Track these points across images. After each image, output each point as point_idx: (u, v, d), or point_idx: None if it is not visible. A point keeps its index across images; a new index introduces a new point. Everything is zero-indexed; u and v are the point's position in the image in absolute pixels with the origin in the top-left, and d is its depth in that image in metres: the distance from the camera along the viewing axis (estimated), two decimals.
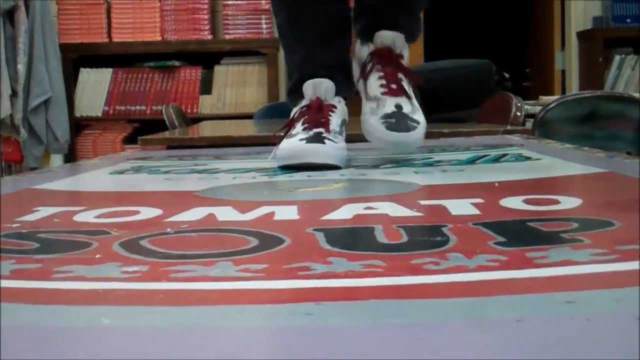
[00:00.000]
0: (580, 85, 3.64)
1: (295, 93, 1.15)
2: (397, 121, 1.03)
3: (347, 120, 1.12)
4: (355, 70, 1.16)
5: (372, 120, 1.06)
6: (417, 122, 1.04)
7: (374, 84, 1.08)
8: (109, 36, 3.37)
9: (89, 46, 3.36)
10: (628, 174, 0.89)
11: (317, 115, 1.06)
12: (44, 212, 0.72)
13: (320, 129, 1.03)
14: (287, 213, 0.65)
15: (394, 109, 1.04)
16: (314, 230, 0.56)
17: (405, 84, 1.08)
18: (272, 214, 0.65)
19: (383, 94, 1.07)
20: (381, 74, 1.08)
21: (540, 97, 2.69)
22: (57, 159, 3.38)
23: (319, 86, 1.09)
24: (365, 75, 1.11)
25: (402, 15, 1.15)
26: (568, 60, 3.76)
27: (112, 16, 3.37)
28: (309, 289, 0.39)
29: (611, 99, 2.27)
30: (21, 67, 3.09)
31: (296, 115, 1.09)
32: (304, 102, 1.10)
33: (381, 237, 0.53)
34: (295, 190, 0.86)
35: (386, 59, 1.09)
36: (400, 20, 1.13)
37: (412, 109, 1.06)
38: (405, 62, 1.13)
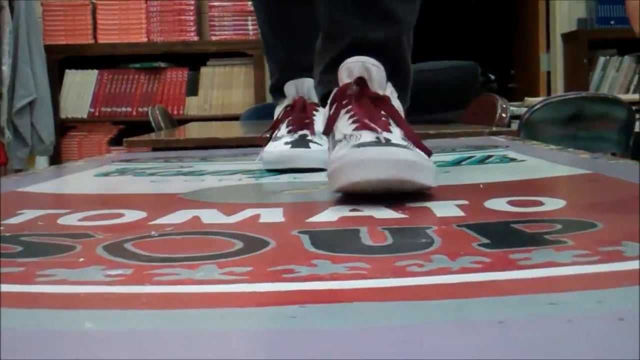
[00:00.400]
0: (565, 86, 3.67)
1: (277, 92, 1.13)
2: (376, 143, 0.70)
3: None
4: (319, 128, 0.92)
5: (333, 156, 0.73)
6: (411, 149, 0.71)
7: (343, 124, 0.76)
8: (95, 37, 3.35)
9: (74, 47, 3.34)
10: (612, 175, 0.90)
11: (301, 115, 1.05)
12: (28, 215, 0.72)
13: (305, 131, 1.02)
14: (273, 215, 0.65)
15: (373, 139, 0.71)
16: (299, 232, 0.56)
17: (395, 130, 0.74)
18: (258, 216, 0.65)
19: (356, 129, 0.73)
20: (352, 112, 0.76)
21: (526, 98, 2.70)
22: (42, 161, 3.35)
23: (301, 85, 1.07)
24: (330, 125, 0.78)
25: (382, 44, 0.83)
26: (553, 61, 3.78)
27: (97, 17, 3.36)
28: (293, 291, 0.39)
29: (596, 100, 2.29)
30: (6, 69, 3.07)
31: (280, 115, 1.08)
32: (287, 102, 1.08)
33: (366, 239, 0.53)
34: (281, 192, 0.86)
35: (359, 94, 0.77)
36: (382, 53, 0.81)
37: (408, 145, 0.72)
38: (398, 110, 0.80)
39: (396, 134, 0.73)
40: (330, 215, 0.65)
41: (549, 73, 3.85)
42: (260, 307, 0.36)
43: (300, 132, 1.03)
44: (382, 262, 0.45)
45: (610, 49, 3.54)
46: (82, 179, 1.14)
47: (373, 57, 0.79)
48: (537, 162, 1.08)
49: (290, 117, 1.06)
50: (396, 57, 0.85)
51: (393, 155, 0.67)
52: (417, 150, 0.72)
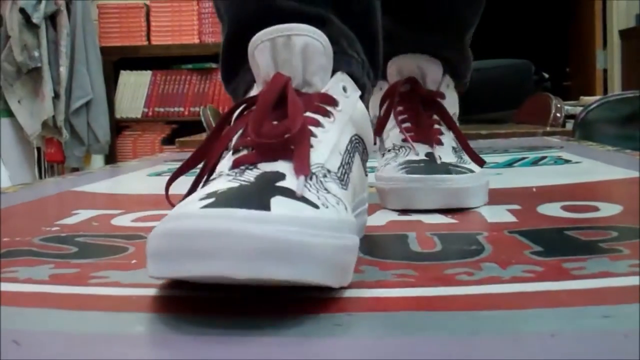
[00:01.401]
0: (622, 84, 3.57)
1: (231, 69, 0.57)
2: (427, 166, 0.67)
3: (367, 145, 0.55)
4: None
5: (384, 173, 0.69)
6: (467, 170, 0.68)
7: (394, 132, 0.73)
8: (148, 39, 3.41)
9: (129, 49, 3.40)
10: None
11: (271, 125, 0.45)
12: (83, 215, 0.74)
13: (277, 168, 0.42)
14: None
15: (424, 157, 0.69)
16: None
17: (447, 139, 0.72)
18: None
19: (405, 139, 0.71)
20: (401, 117, 0.72)
21: (581, 97, 2.64)
22: (98, 160, 3.43)
23: (285, 45, 0.47)
24: (380, 127, 0.74)
25: (437, 39, 0.75)
26: (610, 59, 3.69)
27: (151, 19, 3.41)
28: (340, 298, 0.38)
29: None
30: (63, 70, 3.15)
31: (230, 123, 0.48)
32: (253, 91, 0.51)
33: (414, 246, 0.52)
34: None
35: (410, 94, 0.73)
36: (435, 47, 0.75)
37: (459, 161, 0.70)
38: (452, 109, 0.76)
39: (447, 145, 0.72)
40: (379, 219, 0.65)
41: (605, 71, 3.76)
42: (306, 314, 0.36)
43: (262, 171, 0.42)
44: (430, 269, 0.45)
45: None
46: (136, 178, 1.16)
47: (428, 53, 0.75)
48: (593, 164, 1.05)
49: (244, 128, 0.47)
50: (454, 57, 0.79)
51: (446, 184, 0.65)
52: (468, 163, 0.69)
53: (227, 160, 0.44)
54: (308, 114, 0.47)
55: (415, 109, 0.73)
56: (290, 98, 0.45)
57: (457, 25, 0.80)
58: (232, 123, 0.47)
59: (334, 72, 0.50)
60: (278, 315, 0.34)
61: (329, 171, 0.45)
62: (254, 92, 0.50)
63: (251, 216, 0.34)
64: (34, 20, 3.04)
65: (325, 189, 0.42)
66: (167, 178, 0.48)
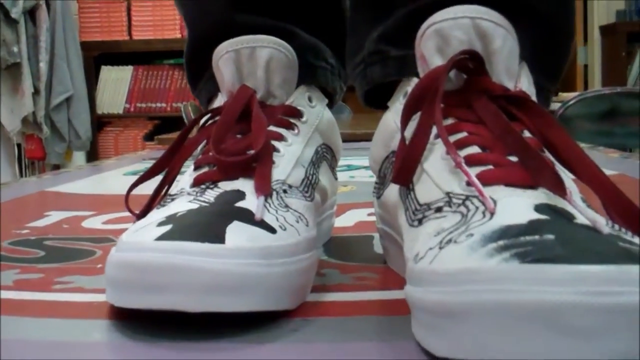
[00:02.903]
0: (602, 80, 3.60)
1: (195, 75, 0.56)
2: (567, 238, 0.27)
3: (336, 153, 0.54)
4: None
5: (438, 264, 0.30)
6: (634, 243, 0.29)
7: (442, 166, 0.36)
8: (130, 34, 3.39)
9: (110, 44, 3.39)
10: (638, 177, 0.88)
11: (233, 140, 0.44)
12: (54, 216, 0.74)
13: (237, 186, 0.41)
14: None
15: (539, 217, 0.30)
16: None
17: (566, 179, 0.34)
18: None
19: (481, 179, 0.33)
20: (461, 131, 0.37)
21: (560, 93, 2.66)
22: (79, 156, 3.41)
23: (250, 56, 0.46)
24: (409, 166, 0.37)
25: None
26: (590, 55, 3.72)
27: (132, 14, 3.40)
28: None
29: (632, 96, 2.24)
30: (43, 65, 3.13)
31: (190, 139, 0.46)
32: (217, 100, 0.51)
33: (378, 247, 0.53)
34: None
35: (470, 91, 0.37)
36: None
37: (612, 225, 0.31)
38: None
39: (572, 189, 0.34)
40: (347, 220, 0.66)
41: (586, 66, 3.79)
42: (263, 319, 0.36)
43: (223, 190, 0.41)
44: (391, 272, 0.45)
45: None
46: (111, 178, 1.16)
47: (498, 6, 0.38)
48: None
49: (208, 142, 0.45)
50: (550, 7, 0.45)
51: (636, 299, 0.24)
52: (624, 232, 0.30)
53: (189, 176, 0.44)
54: (271, 127, 0.46)
55: (490, 119, 0.36)
56: (254, 114, 0.44)
57: None
58: (195, 132, 0.47)
59: (299, 83, 0.49)
60: (234, 321, 0.35)
61: (290, 186, 0.44)
62: (218, 102, 0.50)
63: (204, 250, 0.33)
64: (13, 15, 3.01)
65: (286, 206, 0.42)
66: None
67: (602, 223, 0.29)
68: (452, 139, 0.36)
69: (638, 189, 0.82)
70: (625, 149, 2.23)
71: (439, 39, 0.38)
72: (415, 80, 0.42)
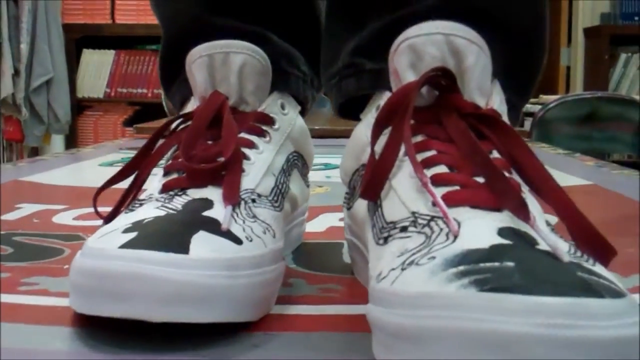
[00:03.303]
0: (584, 82, 3.62)
1: (168, 77, 0.55)
2: (527, 267, 0.27)
3: (308, 161, 0.55)
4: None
5: (399, 285, 0.30)
6: (609, 282, 0.27)
7: (411, 186, 0.36)
8: (112, 17, 3.36)
9: (92, 27, 3.35)
10: (612, 188, 0.89)
11: (203, 146, 0.44)
12: (26, 209, 0.73)
13: (206, 194, 0.41)
14: None
15: (502, 241, 0.30)
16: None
17: (531, 202, 0.34)
18: None
19: (449, 201, 0.33)
20: (429, 150, 0.36)
21: (541, 95, 2.68)
22: (57, 140, 3.38)
23: (223, 62, 0.46)
24: (377, 180, 0.37)
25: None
26: (574, 56, 3.74)
27: None
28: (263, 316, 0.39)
29: (612, 101, 2.27)
30: (24, 47, 3.09)
31: (160, 143, 0.46)
32: (190, 105, 0.49)
33: (347, 256, 0.53)
34: None
35: (440, 108, 0.37)
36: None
37: (575, 254, 0.30)
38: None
39: (538, 214, 0.34)
40: (318, 225, 0.66)
41: (568, 68, 3.81)
42: (224, 333, 0.36)
43: (196, 194, 0.41)
44: (355, 284, 0.46)
45: (633, 45, 3.50)
46: (86, 168, 1.16)
47: (467, 22, 0.38)
48: None
49: (177, 147, 0.45)
50: (522, 26, 0.45)
51: (594, 330, 0.25)
52: (592, 263, 0.30)
53: (158, 182, 0.44)
54: (242, 134, 0.46)
55: (458, 137, 0.36)
56: (225, 120, 0.44)
57: None
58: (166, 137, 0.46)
59: (272, 90, 0.49)
60: (195, 334, 0.35)
61: (259, 196, 0.44)
62: (190, 106, 0.50)
63: (168, 260, 0.33)
64: None
65: (254, 216, 0.41)
66: (118, 169, 0.46)
67: (563, 250, 0.29)
68: (421, 156, 0.36)
69: (610, 200, 0.83)
70: (603, 155, 2.25)
71: (412, 54, 0.38)
72: (386, 94, 0.42)
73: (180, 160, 0.43)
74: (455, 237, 0.30)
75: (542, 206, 0.34)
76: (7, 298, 0.43)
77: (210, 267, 0.34)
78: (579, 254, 0.30)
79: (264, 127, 0.48)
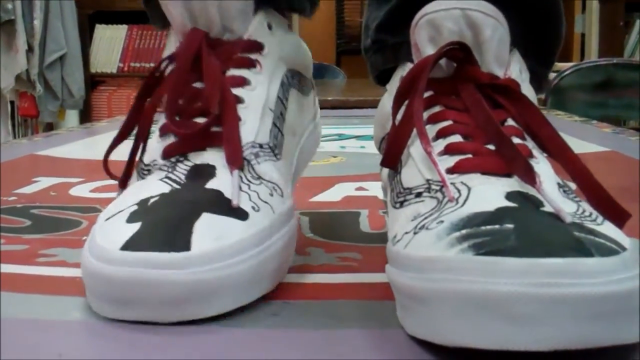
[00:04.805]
0: (599, 49, 3.57)
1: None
2: (527, 228, 0.29)
3: (304, 73, 0.50)
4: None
5: (412, 249, 0.32)
6: (611, 242, 0.29)
7: (421, 153, 0.37)
8: None
9: (105, 2, 3.34)
10: (629, 153, 0.88)
11: (193, 95, 0.42)
12: (43, 183, 0.74)
13: (206, 159, 0.39)
14: None
15: (508, 204, 0.31)
16: (300, 214, 0.56)
17: (543, 167, 0.35)
18: None
19: (458, 169, 0.35)
20: (446, 120, 0.38)
21: (556, 63, 2.64)
22: (72, 115, 3.39)
23: None
24: (393, 150, 0.39)
25: None
26: (588, 23, 3.68)
27: None
28: (280, 284, 0.39)
29: (627, 67, 2.24)
30: (37, 23, 3.09)
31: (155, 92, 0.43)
32: (171, 41, 0.46)
33: (365, 225, 0.53)
34: None
35: (457, 79, 0.39)
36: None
37: (579, 212, 0.32)
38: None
39: (547, 176, 0.34)
40: (335, 194, 0.66)
41: (583, 35, 3.76)
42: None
43: (197, 158, 0.39)
44: (375, 252, 0.45)
45: None
46: (103, 142, 1.16)
47: None
48: None
49: (172, 94, 0.42)
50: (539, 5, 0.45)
51: (584, 287, 0.26)
52: (600, 221, 0.31)
53: (157, 143, 0.41)
54: (231, 71, 0.42)
55: (473, 107, 0.37)
56: (205, 67, 0.40)
57: None
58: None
59: (256, 11, 0.44)
60: None
61: (260, 146, 0.41)
62: (171, 44, 0.45)
63: (171, 261, 0.32)
64: None
65: (259, 177, 0.39)
66: (131, 142, 0.44)
67: (565, 212, 0.30)
68: (438, 126, 0.37)
69: (628, 166, 0.83)
70: (619, 122, 2.23)
71: (431, 28, 0.39)
72: (408, 65, 0.43)
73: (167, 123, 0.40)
74: (465, 201, 0.32)
75: (561, 173, 0.35)
76: (26, 269, 0.44)
77: (215, 259, 0.33)
78: (587, 213, 0.32)
79: (253, 56, 0.44)
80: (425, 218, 0.33)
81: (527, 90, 0.41)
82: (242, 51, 0.43)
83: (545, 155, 0.36)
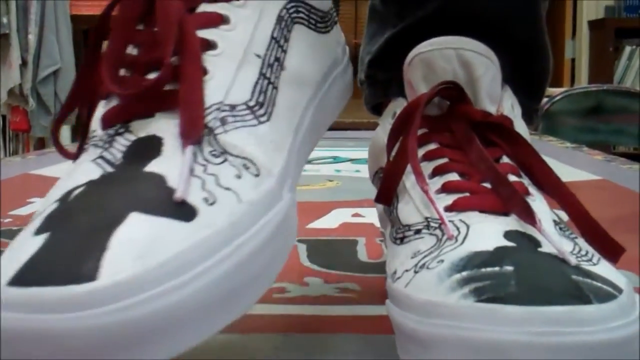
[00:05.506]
0: (589, 75, 3.62)
1: None
2: (527, 272, 0.28)
3: (319, 4, 0.40)
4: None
5: (411, 290, 0.31)
6: (609, 285, 0.28)
7: (418, 190, 0.36)
8: None
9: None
10: (621, 182, 0.89)
11: (145, 38, 0.32)
12: (38, 204, 0.73)
13: (153, 130, 0.30)
14: None
15: (507, 243, 0.31)
16: (298, 241, 0.56)
17: (540, 205, 0.35)
18: None
19: (456, 207, 0.34)
20: (441, 157, 0.37)
21: (547, 88, 2.67)
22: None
23: None
24: (388, 185, 0.39)
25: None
26: (578, 49, 3.73)
27: None
28: (280, 315, 0.39)
29: (617, 93, 2.26)
30: (32, 37, 3.09)
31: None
32: None
33: (362, 254, 0.54)
34: None
35: (451, 117, 0.39)
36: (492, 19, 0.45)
37: (578, 253, 0.31)
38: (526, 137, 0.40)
39: (544, 215, 0.34)
40: (331, 221, 0.66)
41: (573, 60, 3.80)
42: (246, 333, 0.37)
43: (140, 129, 0.30)
44: (374, 283, 0.46)
45: (637, 38, 3.48)
46: None
47: (478, 36, 0.40)
48: (552, 165, 1.07)
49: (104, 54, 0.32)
50: (524, 36, 0.46)
51: (582, 336, 0.26)
52: (597, 261, 0.31)
53: (102, 107, 0.31)
54: (203, 6, 0.32)
55: (467, 145, 0.37)
56: (159, 2, 0.30)
57: None
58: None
59: None
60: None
61: (233, 108, 0.31)
62: None
63: (65, 301, 0.23)
64: None
65: (222, 152, 0.29)
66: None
67: (566, 252, 0.30)
68: (434, 164, 0.37)
69: (620, 195, 0.84)
70: (609, 146, 2.25)
71: (425, 67, 0.40)
72: (400, 100, 0.44)
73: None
74: (464, 239, 0.32)
75: (552, 204, 0.36)
76: None
77: (133, 290, 0.23)
78: (583, 251, 0.32)
79: None
80: (425, 256, 0.32)
81: (520, 125, 0.41)
82: None
83: (537, 191, 0.36)
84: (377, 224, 0.54)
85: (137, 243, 0.24)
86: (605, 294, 0.28)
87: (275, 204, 0.30)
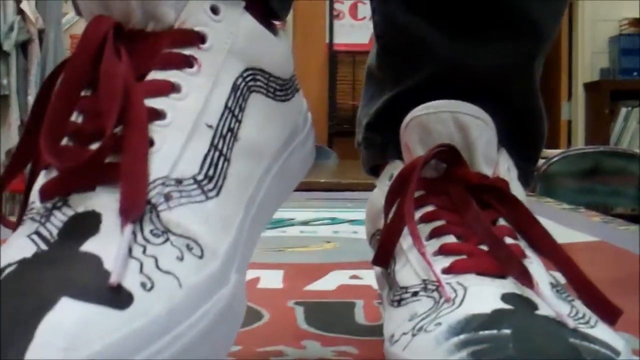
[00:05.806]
0: (585, 136, 3.65)
1: None
2: (520, 341, 0.28)
3: (275, 71, 0.37)
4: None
5: (410, 354, 0.31)
6: (606, 347, 0.29)
7: (415, 253, 0.37)
8: None
9: None
10: (619, 244, 0.89)
11: (89, 106, 0.31)
12: None
13: (92, 205, 0.28)
14: (272, 280, 0.66)
15: (503, 306, 0.31)
16: (295, 304, 0.56)
17: (536, 267, 0.35)
18: (257, 280, 0.65)
19: (453, 270, 0.35)
20: (438, 220, 0.38)
21: (544, 150, 2.69)
22: None
23: None
24: (385, 248, 0.39)
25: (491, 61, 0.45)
26: (574, 111, 3.77)
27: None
28: None
29: (614, 155, 2.28)
30: (31, 99, 3.13)
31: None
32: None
33: (360, 316, 0.53)
34: (285, 250, 0.86)
35: (447, 180, 0.39)
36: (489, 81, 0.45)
37: (576, 315, 0.31)
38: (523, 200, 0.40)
39: (541, 277, 0.34)
40: (329, 283, 0.66)
41: (569, 122, 3.85)
42: None
43: (79, 204, 0.28)
44: (372, 346, 0.45)
45: (633, 100, 3.53)
46: None
47: (473, 100, 0.41)
48: (549, 227, 1.07)
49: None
50: (519, 100, 0.46)
51: None
52: (594, 323, 0.31)
53: (42, 177, 0.30)
54: (153, 74, 0.31)
55: (463, 207, 0.37)
56: (103, 68, 0.29)
57: (531, 33, 0.45)
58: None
59: None
60: None
61: (179, 182, 0.29)
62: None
63: None
64: (5, 48, 3.02)
65: (164, 232, 0.27)
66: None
67: (564, 315, 0.30)
68: (431, 226, 0.38)
69: (618, 257, 0.83)
70: (607, 208, 2.25)
71: (421, 130, 0.40)
72: (397, 163, 0.44)
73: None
74: (461, 302, 0.32)
75: (549, 266, 0.36)
76: None
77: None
78: (580, 314, 0.32)
79: (187, 52, 0.32)
80: (423, 319, 0.32)
81: (516, 187, 0.41)
82: (171, 45, 0.32)
83: (535, 254, 0.36)
84: (375, 286, 0.54)
85: (65, 333, 0.23)
86: (603, 356, 0.28)
87: (219, 288, 0.28)
